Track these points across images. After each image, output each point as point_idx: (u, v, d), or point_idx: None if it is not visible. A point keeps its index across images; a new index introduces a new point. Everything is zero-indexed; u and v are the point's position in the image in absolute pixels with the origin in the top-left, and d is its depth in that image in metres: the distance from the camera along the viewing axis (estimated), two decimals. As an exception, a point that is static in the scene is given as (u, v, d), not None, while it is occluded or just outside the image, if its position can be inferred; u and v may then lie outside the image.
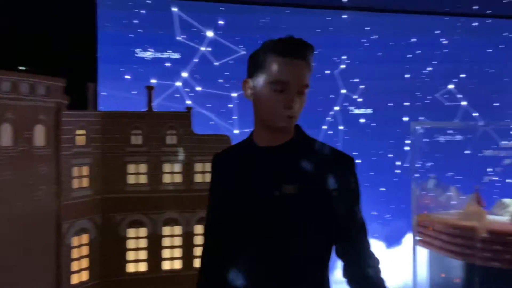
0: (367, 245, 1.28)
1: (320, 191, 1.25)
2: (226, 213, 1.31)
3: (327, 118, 4.07)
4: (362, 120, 4.24)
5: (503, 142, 4.45)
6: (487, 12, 4.47)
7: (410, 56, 4.31)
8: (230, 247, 1.31)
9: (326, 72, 4.09)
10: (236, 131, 4.03)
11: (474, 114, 4.44)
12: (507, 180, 4.39)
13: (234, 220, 1.29)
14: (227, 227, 1.31)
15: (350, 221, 1.29)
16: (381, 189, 4.59)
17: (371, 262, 1.26)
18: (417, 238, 3.83)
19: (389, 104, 4.29)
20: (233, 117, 4.10)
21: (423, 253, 3.85)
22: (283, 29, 4.00)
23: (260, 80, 1.27)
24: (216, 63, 4.10)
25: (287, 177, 1.25)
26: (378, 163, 4.50)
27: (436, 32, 4.38)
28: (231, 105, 4.10)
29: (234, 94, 4.10)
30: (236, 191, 1.30)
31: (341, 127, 4.02)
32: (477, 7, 4.35)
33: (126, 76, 4.02)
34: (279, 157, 1.29)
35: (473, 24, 4.48)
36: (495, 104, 4.50)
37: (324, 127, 4.07)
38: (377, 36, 4.17)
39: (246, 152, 1.35)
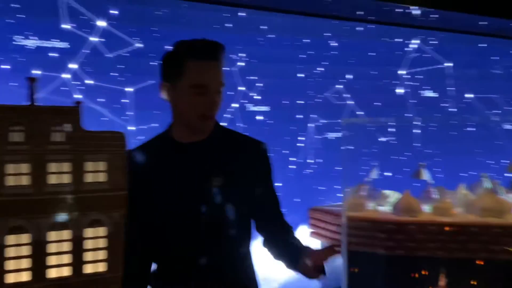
0: (282, 216, 1.42)
1: (242, 177, 1.33)
2: (153, 210, 1.29)
3: (225, 115, 4.08)
4: (259, 118, 4.34)
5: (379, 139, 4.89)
6: (369, 18, 4.85)
7: (304, 56, 4.51)
8: (159, 244, 1.31)
9: (225, 69, 4.10)
10: (132, 128, 3.86)
11: (358, 113, 4.80)
12: (385, 173, 4.81)
13: (163, 216, 1.29)
14: (154, 224, 1.29)
15: (269, 197, 1.41)
16: (277, 184, 4.75)
17: (287, 227, 1.40)
18: (310, 230, 4.05)
19: (284, 102, 4.45)
20: (128, 113, 3.91)
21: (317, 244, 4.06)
22: (182, 23, 3.91)
23: (179, 83, 1.28)
24: (109, 55, 3.86)
25: (214, 170, 1.30)
26: (275, 160, 4.63)
27: (326, 34, 4.64)
28: (126, 100, 3.91)
29: (129, 89, 3.91)
30: (163, 188, 1.30)
31: (239, 124, 4.06)
32: (362, 12, 4.68)
33: (4, 66, 3.62)
34: (203, 152, 1.33)
35: (357, 28, 4.82)
36: (376, 104, 4.90)
37: (223, 124, 4.08)
38: (273, 36, 4.28)
39: (168, 149, 1.35)
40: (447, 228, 3.36)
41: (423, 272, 3.37)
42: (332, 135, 4.54)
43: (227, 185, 1.30)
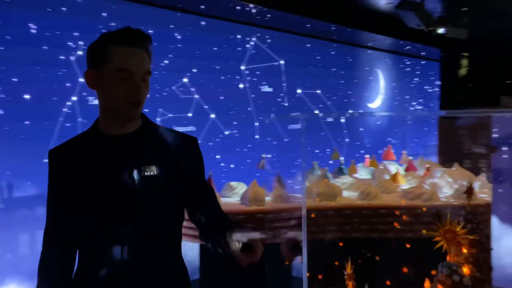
0: (218, 208, 1.43)
1: (173, 171, 1.34)
2: (79, 207, 1.28)
3: (64, 109, 3.67)
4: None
5: (226, 132, 5.05)
6: (213, 13, 4.92)
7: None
8: (85, 243, 1.29)
9: (61, 57, 3.66)
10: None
11: (205, 107, 4.85)
12: (231, 165, 5.00)
13: (89, 211, 1.26)
14: (82, 220, 1.27)
15: (203, 190, 1.42)
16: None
17: (224, 215, 1.40)
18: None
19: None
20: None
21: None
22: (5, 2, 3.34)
23: (103, 69, 1.28)
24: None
25: (142, 163, 1.30)
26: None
27: (170, 26, 4.54)
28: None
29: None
30: (89, 184, 1.27)
31: (80, 119, 3.69)
32: (203, 6, 4.70)
33: None
34: (132, 145, 1.32)
35: (202, 23, 4.84)
36: (221, 98, 5.02)
37: (61, 119, 3.65)
38: (114, 24, 3.99)
39: (95, 143, 1.33)
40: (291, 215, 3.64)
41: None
42: (179, 129, 4.48)
43: (157, 178, 1.30)
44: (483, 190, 4.27)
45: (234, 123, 5.09)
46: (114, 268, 1.26)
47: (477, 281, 1.52)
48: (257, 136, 5.30)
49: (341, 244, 3.25)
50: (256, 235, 1.25)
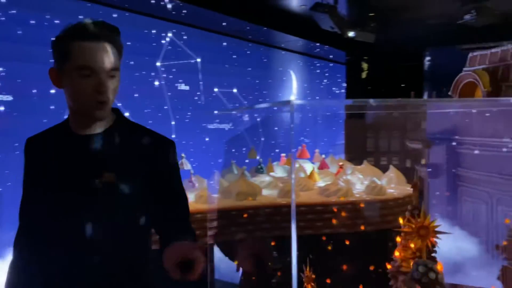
0: (185, 221, 1.32)
1: (137, 177, 1.24)
2: (43, 204, 1.21)
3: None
4: (1, 108, 3.61)
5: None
6: (125, 5, 4.68)
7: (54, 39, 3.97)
8: (47, 244, 1.21)
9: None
10: None
11: (118, 104, 4.57)
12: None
13: (53, 210, 1.19)
14: (43, 219, 1.20)
15: (172, 200, 1.31)
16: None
17: (182, 227, 1.31)
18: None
19: (33, 91, 3.82)
20: None
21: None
22: None
23: (66, 66, 1.20)
24: None
25: (105, 167, 1.21)
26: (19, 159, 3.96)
27: (79, 17, 4.21)
28: None
29: None
30: (54, 181, 1.21)
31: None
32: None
33: None
34: (100, 145, 1.24)
35: (113, 15, 4.57)
36: (135, 95, 4.78)
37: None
38: (14, 11, 3.61)
39: (64, 140, 1.25)
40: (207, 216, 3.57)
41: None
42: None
43: (117, 184, 1.22)
44: (391, 186, 4.56)
45: (149, 122, 4.87)
46: (77, 275, 1.20)
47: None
48: (173, 136, 5.14)
49: (273, 243, 3.26)
50: (194, 252, 1.16)
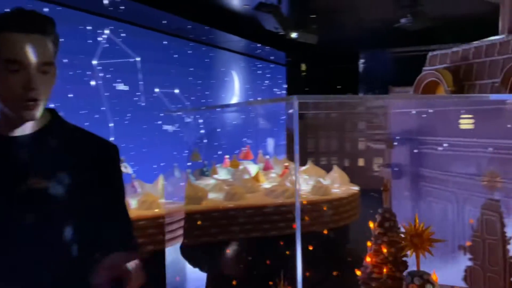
0: (127, 237, 1.19)
1: (81, 182, 1.13)
2: None
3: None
4: None
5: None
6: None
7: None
8: None
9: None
10: None
11: (51, 105, 4.25)
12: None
13: None
14: None
15: (116, 210, 1.19)
16: None
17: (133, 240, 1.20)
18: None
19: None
20: None
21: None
22: None
23: None
24: None
25: (41, 170, 1.11)
26: None
27: (5, 10, 3.86)
28: None
29: None
30: None
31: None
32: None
33: None
34: (29, 148, 1.14)
35: (44, 9, 4.25)
36: (69, 95, 4.47)
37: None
38: None
39: None
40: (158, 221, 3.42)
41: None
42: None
43: (55, 189, 1.10)
44: (334, 186, 4.62)
45: (86, 124, 4.58)
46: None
47: (397, 280, 1.54)
48: (112, 138, 4.88)
49: (228, 251, 3.16)
50: (128, 267, 1.04)
